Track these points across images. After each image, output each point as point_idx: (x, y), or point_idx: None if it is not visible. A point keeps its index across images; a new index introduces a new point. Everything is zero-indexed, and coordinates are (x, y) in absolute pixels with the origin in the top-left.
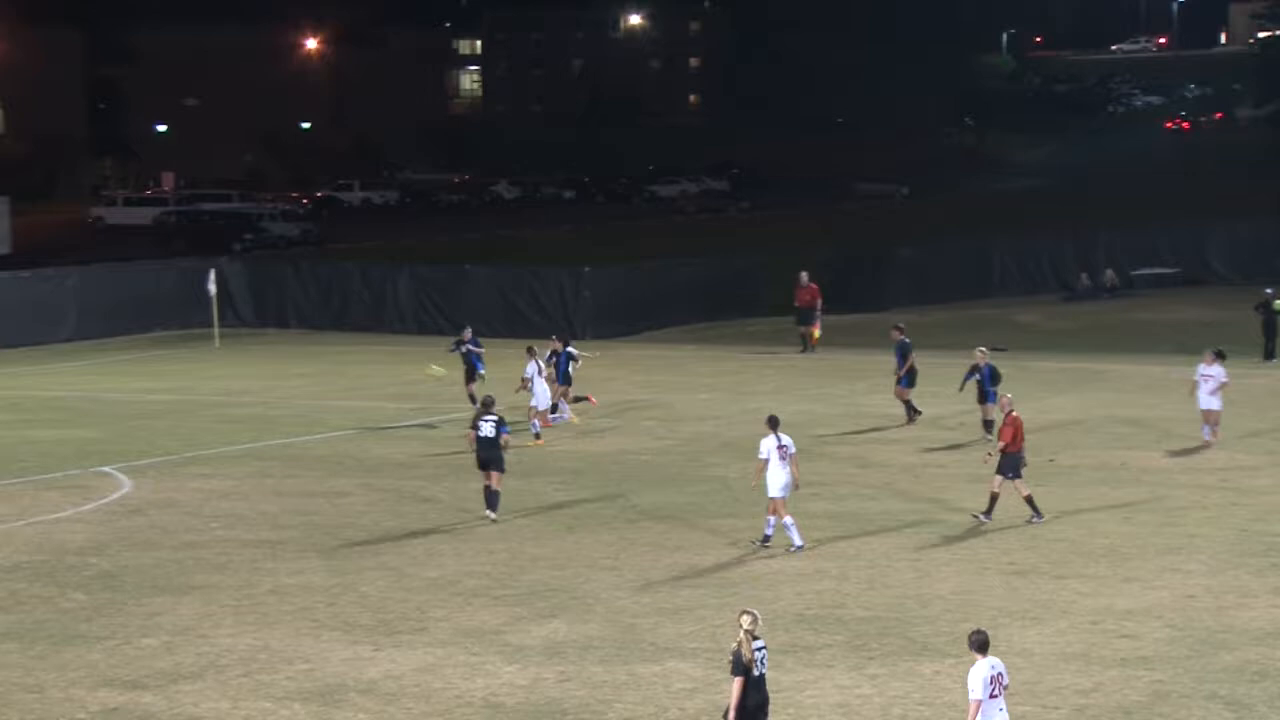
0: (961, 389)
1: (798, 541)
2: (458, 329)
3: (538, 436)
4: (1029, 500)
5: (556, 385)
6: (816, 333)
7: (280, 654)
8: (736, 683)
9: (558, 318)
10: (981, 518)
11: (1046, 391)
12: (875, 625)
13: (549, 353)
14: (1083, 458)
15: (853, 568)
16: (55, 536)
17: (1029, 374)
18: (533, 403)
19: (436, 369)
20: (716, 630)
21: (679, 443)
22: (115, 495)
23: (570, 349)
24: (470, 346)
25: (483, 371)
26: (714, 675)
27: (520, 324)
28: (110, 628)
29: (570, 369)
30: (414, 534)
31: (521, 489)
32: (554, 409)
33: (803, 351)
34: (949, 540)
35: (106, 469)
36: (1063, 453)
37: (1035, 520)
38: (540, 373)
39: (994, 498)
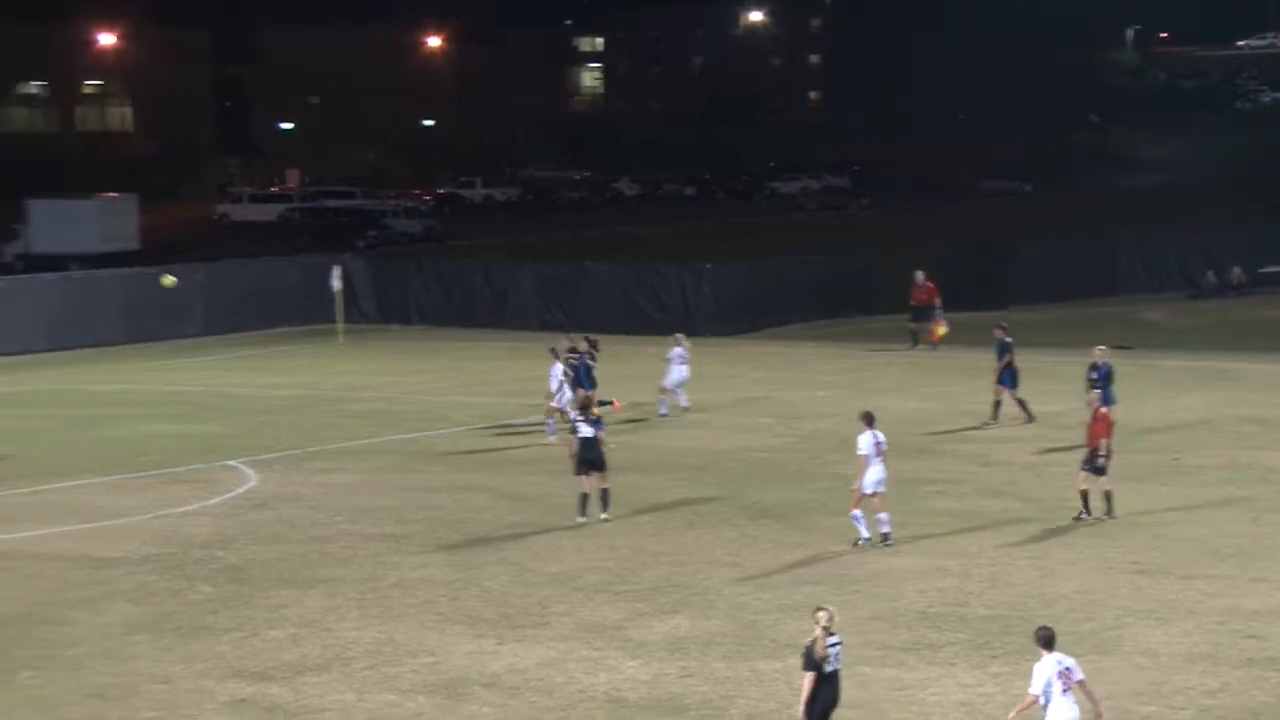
0: (1088, 389)
1: (864, 534)
2: (579, 326)
3: (552, 435)
4: (1083, 495)
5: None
6: (941, 330)
7: (405, 647)
8: (808, 678)
9: (679, 315)
10: (1084, 516)
11: (1172, 390)
12: (998, 624)
13: (578, 352)
14: (1209, 457)
15: (975, 566)
16: (182, 530)
17: (1155, 373)
18: (553, 403)
19: (169, 279)
20: (837, 626)
21: (798, 440)
22: (241, 489)
23: (591, 354)
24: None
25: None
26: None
27: (641, 321)
28: (237, 620)
29: (592, 372)
30: (535, 530)
31: (642, 485)
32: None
33: (911, 348)
34: (1072, 539)
35: (232, 463)
36: (1189, 452)
37: (1083, 516)
38: (564, 375)
39: (1084, 495)
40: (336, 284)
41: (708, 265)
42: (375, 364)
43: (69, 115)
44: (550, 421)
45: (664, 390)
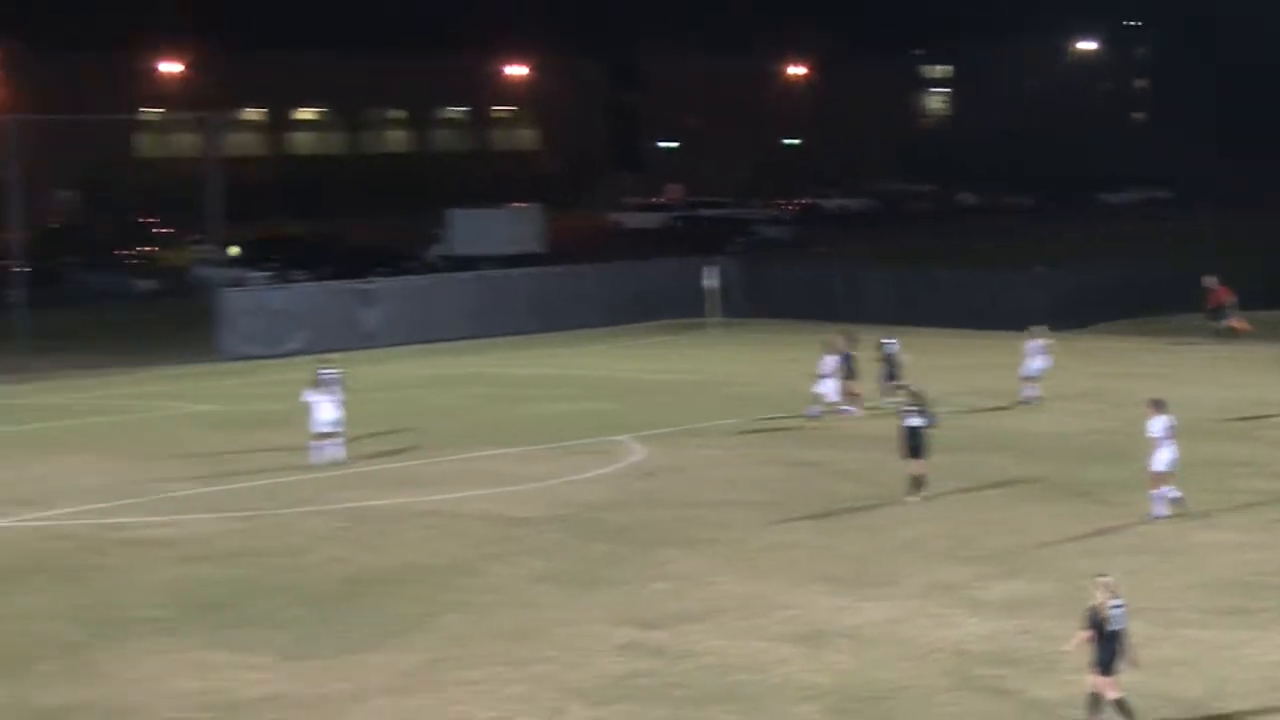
0: None
1: (1160, 512)
2: (926, 323)
3: (814, 418)
4: None
5: (848, 381)
6: (1239, 325)
7: (772, 601)
8: (1083, 634)
9: (1013, 314)
10: None
11: None
12: None
13: (842, 353)
14: None
15: None
16: (580, 494)
17: None
18: (819, 389)
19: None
20: (1159, 591)
21: (1123, 424)
22: (630, 460)
23: (849, 353)
24: (891, 350)
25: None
26: (1156, 633)
27: (979, 319)
28: (626, 574)
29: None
30: (887, 502)
31: (983, 462)
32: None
33: (1222, 342)
34: None
35: (622, 438)
36: None
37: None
38: (834, 367)
39: None
40: (711, 282)
41: (1039, 268)
42: (745, 352)
43: (484, 137)
44: (816, 408)
45: (1024, 379)
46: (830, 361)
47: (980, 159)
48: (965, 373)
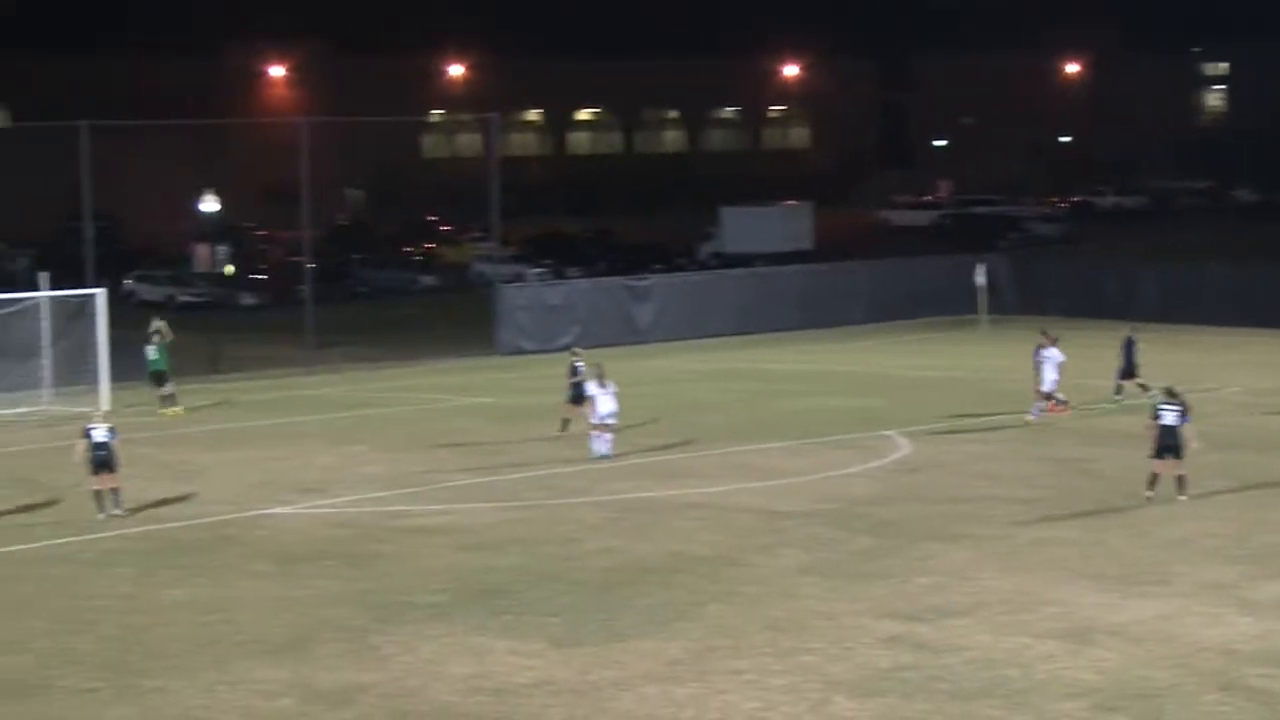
0: None
1: None
2: (1196, 321)
3: (1043, 409)
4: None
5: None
6: None
7: (1037, 597)
8: None
9: None
10: None
11: None
12: None
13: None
14: None
15: None
16: (845, 489)
17: None
18: (1044, 386)
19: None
20: None
21: None
22: (895, 456)
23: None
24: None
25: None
26: None
27: (1259, 318)
28: (890, 568)
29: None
30: (1155, 500)
31: (1254, 461)
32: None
33: None
34: None
35: (888, 433)
36: None
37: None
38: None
39: None
40: (981, 279)
41: None
42: (1014, 349)
43: (757, 135)
44: (1038, 405)
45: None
46: (1050, 354)
47: (1258, 155)
48: (1237, 369)
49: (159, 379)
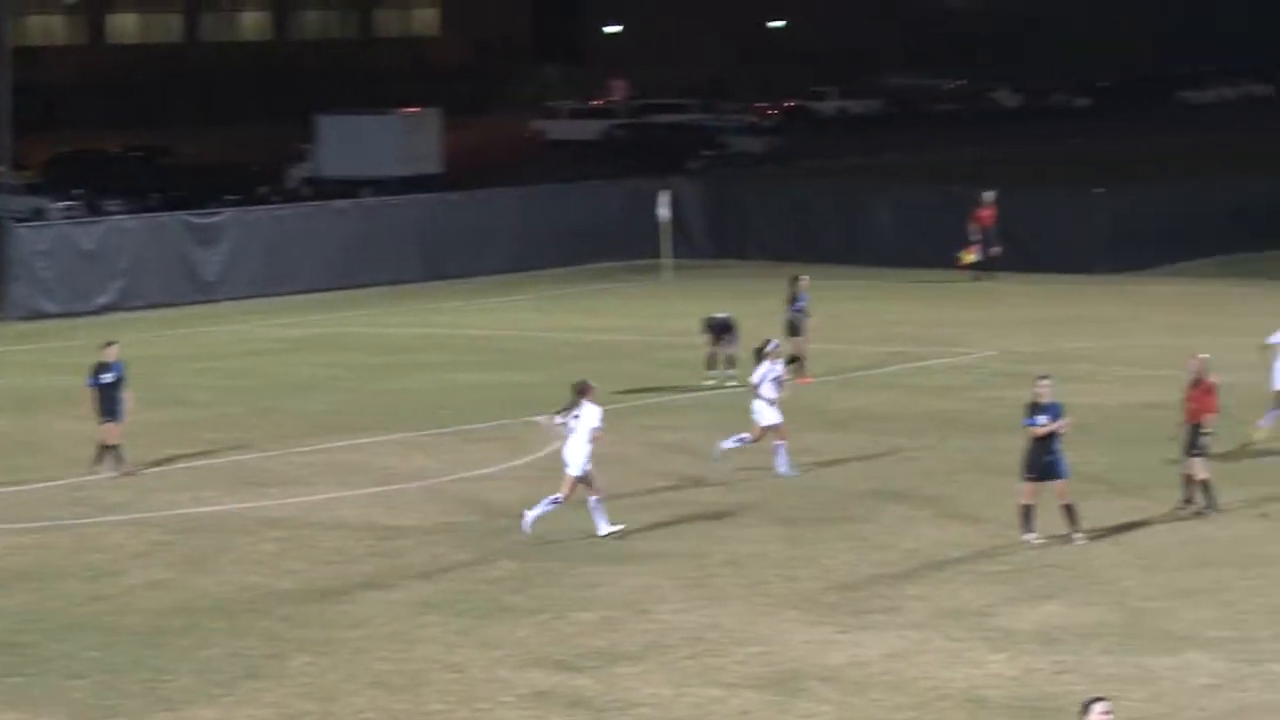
0: None
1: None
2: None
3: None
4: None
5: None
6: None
7: (732, 634)
8: None
9: (1062, 249)
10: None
11: None
12: None
13: None
14: None
15: None
16: (484, 495)
17: None
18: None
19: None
20: (1241, 618)
21: None
22: (550, 449)
23: None
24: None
25: None
26: (1239, 670)
27: (1021, 255)
28: (542, 600)
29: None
30: (887, 498)
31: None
32: None
33: None
34: None
35: (540, 419)
36: None
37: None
38: None
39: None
40: (664, 212)
41: (1099, 190)
42: (706, 305)
43: (367, 18)
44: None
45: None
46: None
47: (1021, 47)
48: (990, 329)
49: None
